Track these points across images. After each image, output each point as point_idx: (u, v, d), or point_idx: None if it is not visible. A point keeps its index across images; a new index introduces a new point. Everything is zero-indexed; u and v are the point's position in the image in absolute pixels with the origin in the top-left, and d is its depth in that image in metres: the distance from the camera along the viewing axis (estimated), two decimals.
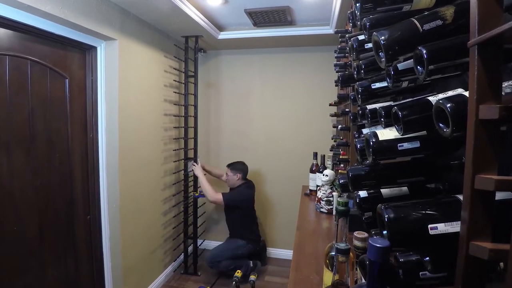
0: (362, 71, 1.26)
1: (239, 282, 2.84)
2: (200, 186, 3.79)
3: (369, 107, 1.27)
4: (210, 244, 4.36)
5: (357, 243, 1.12)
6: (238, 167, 3.91)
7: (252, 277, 2.99)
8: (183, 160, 3.88)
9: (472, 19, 0.64)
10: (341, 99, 2.76)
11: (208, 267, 3.76)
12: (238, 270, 2.94)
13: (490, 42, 0.60)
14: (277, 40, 3.87)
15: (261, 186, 4.41)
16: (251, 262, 3.81)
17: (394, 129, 0.93)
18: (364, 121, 1.38)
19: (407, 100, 0.97)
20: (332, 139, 3.46)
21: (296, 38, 3.75)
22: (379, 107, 1.07)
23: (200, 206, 4.11)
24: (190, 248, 4.00)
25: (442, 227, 0.75)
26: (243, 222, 3.89)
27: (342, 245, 0.84)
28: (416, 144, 0.92)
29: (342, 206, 0.96)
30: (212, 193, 3.62)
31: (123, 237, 2.91)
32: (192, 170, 3.83)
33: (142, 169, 3.22)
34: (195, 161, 3.87)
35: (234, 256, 3.75)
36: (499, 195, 0.70)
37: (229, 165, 3.93)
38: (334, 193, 2.37)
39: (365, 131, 1.48)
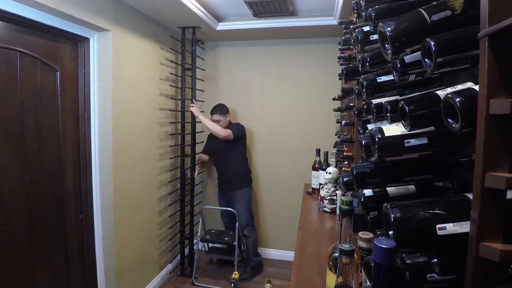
0: (367, 64, 1.25)
1: (237, 283, 2.85)
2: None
3: (375, 101, 1.27)
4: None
5: (361, 244, 1.12)
6: (223, 109, 3.93)
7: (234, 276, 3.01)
8: (180, 157, 3.89)
9: (483, 9, 0.64)
10: (345, 93, 2.75)
11: (207, 263, 3.77)
12: (235, 272, 2.96)
13: (501, 33, 0.60)
14: (278, 31, 3.85)
15: (261, 184, 4.43)
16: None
17: (401, 124, 0.93)
18: (369, 116, 1.38)
19: (414, 94, 0.97)
20: (336, 135, 3.46)
21: (298, 29, 3.74)
22: (385, 102, 1.07)
23: (197, 205, 4.12)
24: (186, 249, 4.02)
25: (450, 227, 0.75)
26: (246, 162, 4.08)
27: (346, 246, 0.85)
28: (424, 140, 0.92)
29: (346, 205, 0.96)
30: (221, 130, 3.73)
31: (116, 237, 2.92)
32: (191, 111, 3.84)
33: (136, 166, 3.22)
34: (192, 102, 3.88)
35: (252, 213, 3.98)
36: (511, 194, 0.70)
37: (214, 111, 3.90)
38: (337, 192, 2.38)
39: (370, 126, 1.48)
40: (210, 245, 4.18)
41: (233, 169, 3.92)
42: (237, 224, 3.76)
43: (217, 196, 4.14)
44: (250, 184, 4.04)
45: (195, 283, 3.76)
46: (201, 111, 3.94)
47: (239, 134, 3.86)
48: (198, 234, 3.86)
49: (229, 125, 3.93)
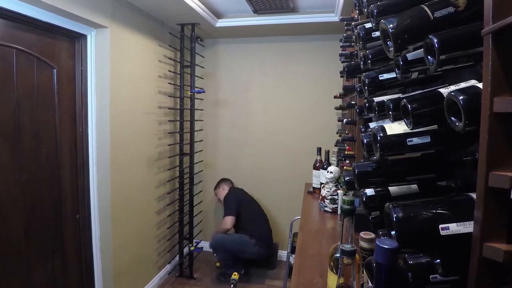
0: (369, 61, 1.25)
1: (236, 284, 2.85)
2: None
3: (377, 99, 1.27)
4: (207, 245, 4.37)
5: (363, 244, 1.12)
6: (221, 181, 4.37)
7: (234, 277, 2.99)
8: (178, 156, 3.88)
9: (486, 6, 0.64)
10: (347, 91, 2.75)
11: (202, 265, 3.77)
12: (235, 273, 2.96)
13: (505, 30, 0.60)
14: (278, 28, 3.85)
15: (261, 184, 4.42)
16: (243, 270, 3.85)
17: (403, 123, 0.93)
18: (371, 115, 1.38)
19: (417, 92, 0.97)
20: (337, 133, 3.47)
21: (298, 26, 3.74)
22: (387, 100, 1.07)
23: (196, 205, 4.12)
24: (185, 250, 4.02)
25: (454, 227, 0.75)
26: (253, 222, 4.03)
27: (347, 247, 0.85)
28: (427, 139, 0.92)
29: (348, 205, 0.96)
30: (226, 226, 3.88)
31: (114, 237, 2.92)
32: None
33: (134, 165, 3.22)
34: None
35: (236, 252, 3.80)
36: None
37: (214, 188, 4.38)
38: (339, 191, 2.37)
39: (372, 125, 1.48)
40: None
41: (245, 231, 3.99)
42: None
43: None
44: (263, 247, 3.96)
45: (194, 285, 3.76)
46: (200, 109, 3.96)
47: (233, 208, 3.97)
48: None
49: (225, 198, 4.12)
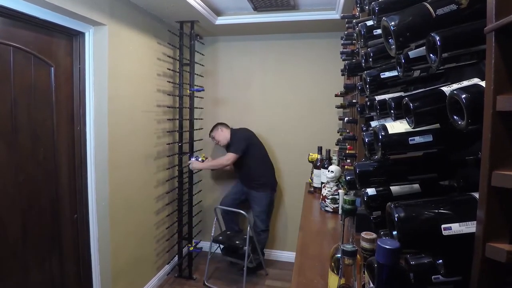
0: (371, 59, 1.25)
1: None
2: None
3: (378, 98, 1.27)
4: (207, 245, 4.36)
5: (364, 244, 1.12)
6: (217, 125, 4.06)
7: None
8: (177, 155, 3.88)
9: (489, 3, 0.63)
10: (348, 89, 2.75)
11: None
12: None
13: (508, 28, 0.60)
14: (279, 25, 3.85)
15: None
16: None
17: (405, 121, 0.92)
18: (372, 113, 1.38)
19: (419, 90, 0.97)
20: (338, 132, 3.46)
21: (299, 23, 3.73)
22: (389, 98, 1.07)
23: (195, 205, 4.12)
24: (184, 250, 4.02)
25: (456, 228, 0.75)
26: (261, 167, 4.03)
27: (348, 247, 0.85)
28: (429, 138, 0.92)
29: (349, 204, 0.96)
30: (223, 161, 3.84)
31: (112, 237, 2.92)
32: (188, 166, 3.89)
33: (133, 164, 3.22)
34: (190, 158, 3.91)
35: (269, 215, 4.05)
36: None
37: (210, 133, 4.08)
38: (340, 191, 2.37)
39: (373, 124, 1.48)
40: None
41: (247, 174, 4.00)
42: (248, 228, 3.65)
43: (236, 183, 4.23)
44: (268, 189, 4.01)
45: (194, 285, 3.77)
46: (200, 107, 3.97)
47: (241, 147, 3.83)
48: (212, 234, 3.83)
49: (231, 136, 3.96)
